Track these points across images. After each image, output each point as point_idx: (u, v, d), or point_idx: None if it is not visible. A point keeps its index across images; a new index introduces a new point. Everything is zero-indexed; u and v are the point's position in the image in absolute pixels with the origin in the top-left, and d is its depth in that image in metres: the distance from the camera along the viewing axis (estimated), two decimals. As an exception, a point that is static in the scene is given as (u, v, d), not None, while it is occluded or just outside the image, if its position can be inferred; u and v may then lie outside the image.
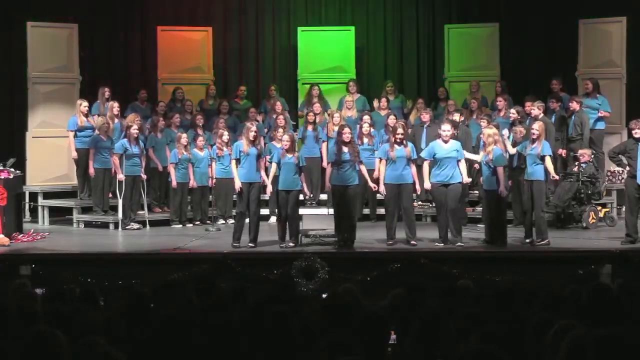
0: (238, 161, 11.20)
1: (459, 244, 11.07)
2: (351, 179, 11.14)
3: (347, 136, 11.22)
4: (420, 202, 13.31)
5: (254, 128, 11.40)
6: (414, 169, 11.23)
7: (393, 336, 5.42)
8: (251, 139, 11.16)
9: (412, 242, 11.16)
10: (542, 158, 11.05)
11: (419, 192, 11.64)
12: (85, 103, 13.65)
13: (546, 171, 11.11)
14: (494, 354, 3.96)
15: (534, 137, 11.10)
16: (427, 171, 11.37)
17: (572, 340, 4.18)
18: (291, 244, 11.03)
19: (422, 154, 11.42)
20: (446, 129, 11.18)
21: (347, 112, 14.21)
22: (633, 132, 11.00)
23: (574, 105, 13.19)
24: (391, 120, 13.26)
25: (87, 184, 13.62)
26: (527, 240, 11.18)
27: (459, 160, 11.10)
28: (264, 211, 12.56)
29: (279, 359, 4.86)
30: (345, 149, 11.13)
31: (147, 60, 15.50)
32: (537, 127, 11.21)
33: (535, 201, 11.03)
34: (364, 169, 11.45)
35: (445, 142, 11.14)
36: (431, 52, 15.92)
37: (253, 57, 16.08)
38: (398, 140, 11.17)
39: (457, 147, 11.17)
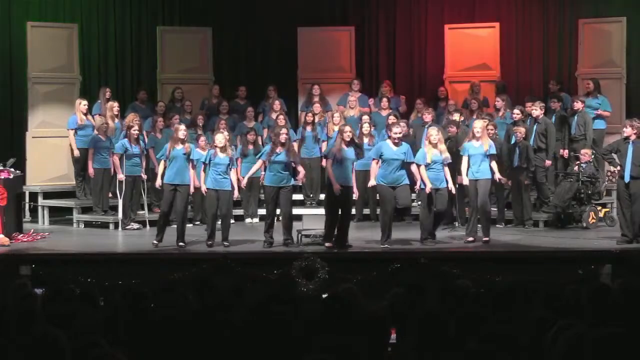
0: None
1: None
2: (284, 180, 11.08)
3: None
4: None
5: (182, 127, 11.49)
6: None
7: (393, 336, 5.43)
8: (181, 137, 11.27)
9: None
10: (489, 157, 11.19)
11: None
12: (85, 102, 13.68)
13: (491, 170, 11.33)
14: (494, 354, 3.96)
15: (478, 135, 11.21)
16: (374, 170, 11.17)
17: (571, 340, 4.19)
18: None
19: (370, 153, 11.38)
20: (397, 131, 11.23)
21: (349, 112, 14.21)
22: (623, 130, 11.10)
23: (578, 105, 13.20)
24: (391, 120, 13.26)
25: (86, 183, 13.64)
26: (470, 239, 11.30)
27: (408, 162, 11.09)
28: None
29: (279, 359, 4.86)
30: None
31: (148, 61, 15.49)
32: (479, 125, 11.31)
33: (482, 198, 11.18)
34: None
35: (395, 144, 11.14)
36: (431, 52, 15.91)
37: (253, 57, 16.07)
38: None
39: (405, 149, 11.15)
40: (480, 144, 11.25)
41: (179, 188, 11.29)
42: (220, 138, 11.29)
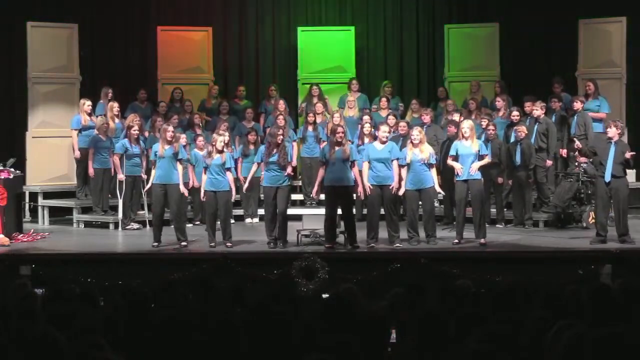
0: (154, 163, 11.49)
1: (397, 245, 11.08)
2: (282, 180, 11.10)
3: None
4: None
5: (170, 128, 11.51)
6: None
7: (393, 335, 5.43)
8: (168, 139, 11.29)
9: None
10: (481, 157, 11.12)
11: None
12: (89, 102, 13.69)
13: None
14: (494, 354, 3.96)
15: (466, 135, 11.15)
16: (365, 173, 11.12)
17: (571, 340, 4.19)
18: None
19: (360, 156, 11.37)
20: (385, 129, 11.25)
21: (348, 112, 14.20)
22: (607, 130, 11.16)
23: (578, 105, 13.20)
24: (391, 120, 13.26)
25: (87, 183, 13.64)
26: (458, 241, 11.21)
27: (392, 161, 11.07)
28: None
29: (279, 359, 4.87)
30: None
31: (147, 60, 15.49)
32: (467, 125, 11.25)
33: (479, 200, 11.13)
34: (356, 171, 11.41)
35: (383, 143, 11.15)
36: (431, 52, 15.92)
37: (253, 57, 16.08)
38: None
39: (390, 148, 11.15)
40: (470, 144, 11.21)
41: (168, 188, 11.29)
42: (219, 139, 11.30)
